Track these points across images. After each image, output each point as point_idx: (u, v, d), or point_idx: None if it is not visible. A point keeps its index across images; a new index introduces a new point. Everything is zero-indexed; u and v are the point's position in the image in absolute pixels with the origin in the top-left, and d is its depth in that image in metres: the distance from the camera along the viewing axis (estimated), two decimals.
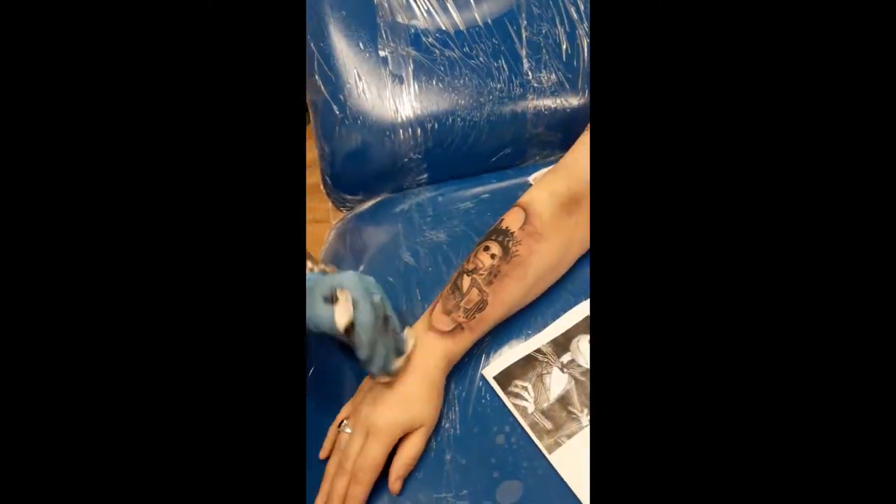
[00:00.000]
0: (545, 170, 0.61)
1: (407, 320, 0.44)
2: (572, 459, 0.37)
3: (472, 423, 0.42)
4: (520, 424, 0.40)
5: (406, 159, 0.68)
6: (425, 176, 0.70)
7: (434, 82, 0.67)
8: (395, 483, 0.39)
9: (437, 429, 0.42)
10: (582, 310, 0.46)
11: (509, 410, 0.41)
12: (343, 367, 0.49)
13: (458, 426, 0.42)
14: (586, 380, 0.42)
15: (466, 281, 0.45)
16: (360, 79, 0.66)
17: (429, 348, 0.43)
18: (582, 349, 0.43)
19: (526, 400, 0.42)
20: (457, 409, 0.43)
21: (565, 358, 0.44)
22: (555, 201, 0.48)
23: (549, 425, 0.40)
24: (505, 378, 0.43)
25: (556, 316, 0.47)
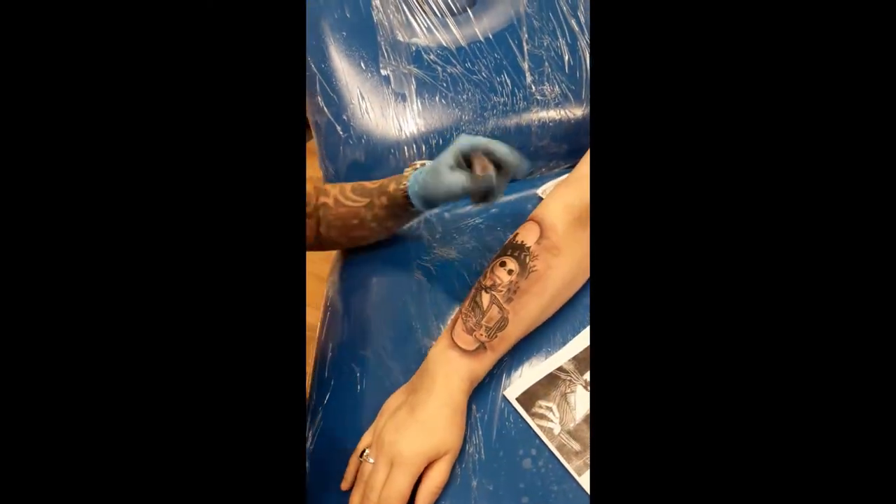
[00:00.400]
0: (554, 182, 0.61)
1: None
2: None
3: (497, 446, 0.41)
4: (546, 447, 0.39)
5: None
6: None
7: (437, 99, 0.67)
8: None
9: (461, 454, 0.40)
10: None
11: (535, 433, 0.40)
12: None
13: (482, 451, 0.40)
14: None
15: (486, 298, 0.44)
16: (362, 98, 0.66)
17: (452, 369, 0.42)
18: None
19: (552, 421, 0.40)
20: (480, 432, 0.42)
21: (588, 375, 0.43)
22: (569, 214, 0.47)
23: (577, 446, 0.38)
24: (528, 399, 0.42)
25: (575, 332, 0.46)
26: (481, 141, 0.50)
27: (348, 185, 0.57)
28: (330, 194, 0.57)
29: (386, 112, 0.66)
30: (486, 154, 0.50)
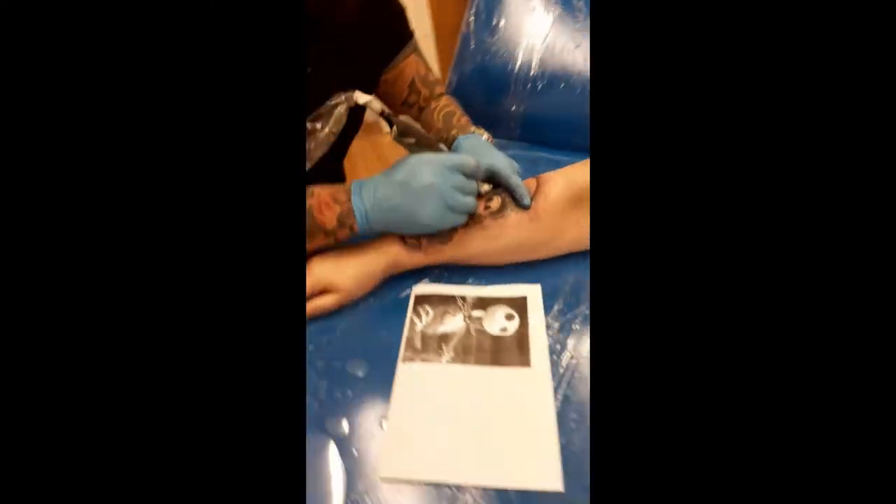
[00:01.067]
0: None
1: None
2: (408, 380, 0.42)
3: (376, 318, 0.49)
4: (402, 330, 0.46)
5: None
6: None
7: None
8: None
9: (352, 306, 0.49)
10: (522, 292, 0.48)
11: (404, 320, 0.47)
12: None
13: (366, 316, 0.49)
14: (478, 336, 0.45)
15: None
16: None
17: (387, 246, 0.50)
18: (496, 317, 0.46)
19: (420, 320, 0.47)
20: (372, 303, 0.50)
21: (476, 313, 0.47)
22: (567, 190, 0.49)
23: (418, 345, 0.45)
24: (422, 299, 0.49)
25: (506, 282, 0.50)
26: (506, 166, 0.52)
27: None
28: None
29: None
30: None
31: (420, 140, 0.48)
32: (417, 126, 0.48)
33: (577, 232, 0.50)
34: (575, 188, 0.49)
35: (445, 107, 0.67)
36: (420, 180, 0.45)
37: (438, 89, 0.72)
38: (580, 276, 0.49)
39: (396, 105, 0.73)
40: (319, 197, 0.48)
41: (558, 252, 0.51)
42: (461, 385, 0.41)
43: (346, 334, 0.47)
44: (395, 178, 0.47)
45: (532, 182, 0.51)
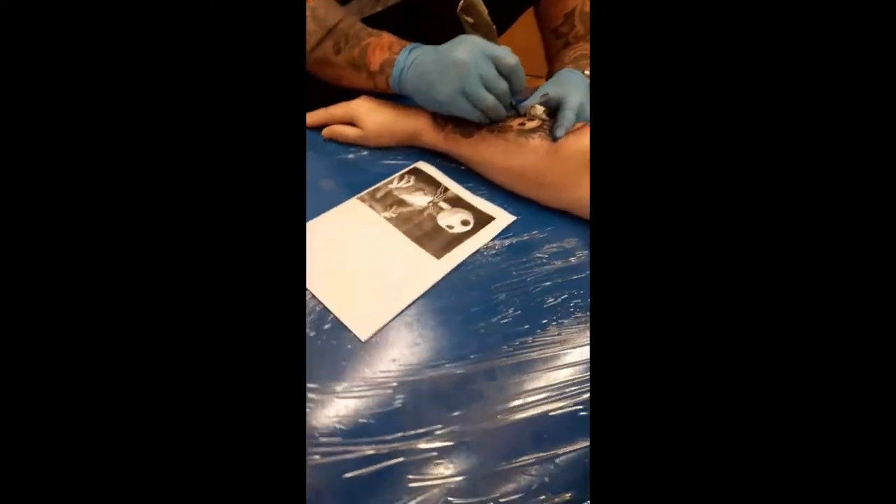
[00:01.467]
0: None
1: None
2: (346, 212, 0.45)
3: (377, 164, 0.53)
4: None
5: None
6: None
7: None
8: (324, 131, 0.55)
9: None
10: (496, 214, 0.47)
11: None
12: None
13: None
14: (426, 219, 0.46)
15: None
16: None
17: (416, 117, 0.53)
18: (454, 217, 0.46)
19: (399, 182, 0.50)
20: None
21: (443, 205, 0.48)
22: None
23: (379, 196, 0.48)
24: (416, 171, 0.51)
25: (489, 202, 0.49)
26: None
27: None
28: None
29: None
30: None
31: (479, 23, 0.48)
32: (484, 9, 0.47)
33: (586, 192, 0.46)
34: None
35: (585, 50, 0.63)
36: (451, 55, 0.46)
37: None
38: (570, 240, 0.46)
39: (546, 30, 0.71)
40: (382, 39, 0.51)
41: (564, 205, 0.47)
42: (377, 238, 0.44)
43: (347, 162, 0.53)
44: (438, 49, 0.48)
45: (579, 125, 0.48)
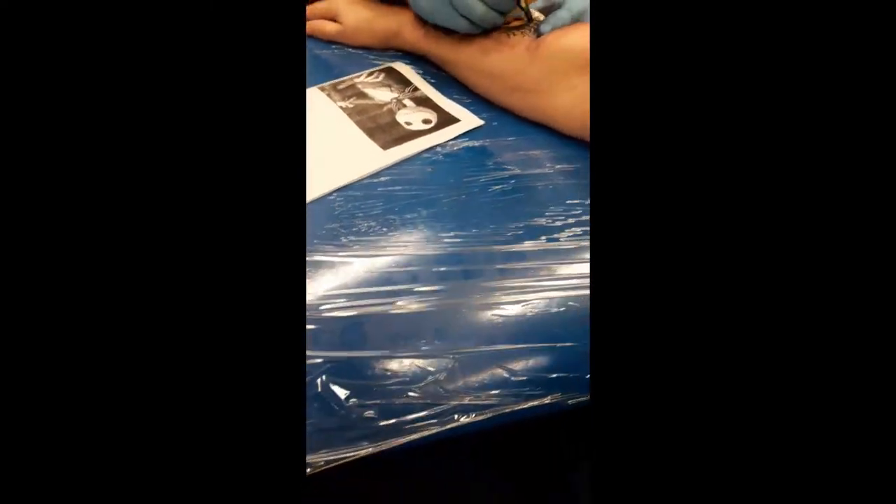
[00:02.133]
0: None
1: None
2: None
3: (356, 60, 0.49)
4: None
5: None
6: None
7: None
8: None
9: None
10: (463, 117, 0.43)
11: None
12: None
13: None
14: (385, 113, 0.42)
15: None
16: None
17: (399, 14, 0.49)
18: (416, 114, 0.43)
19: (367, 78, 0.46)
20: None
21: (407, 102, 0.44)
22: (583, 48, 0.40)
23: (341, 87, 0.45)
24: (390, 70, 0.48)
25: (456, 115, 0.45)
26: None
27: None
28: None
29: None
30: None
31: None
32: None
33: (568, 98, 0.40)
34: (582, 51, 0.40)
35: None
36: None
37: None
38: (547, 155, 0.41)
39: None
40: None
41: (540, 115, 0.42)
42: (327, 124, 0.41)
43: (321, 57, 0.50)
44: None
45: (574, 25, 0.43)
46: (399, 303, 0.30)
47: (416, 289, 0.31)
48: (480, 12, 0.41)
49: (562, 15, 0.43)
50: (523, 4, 0.44)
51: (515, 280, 0.32)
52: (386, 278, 0.31)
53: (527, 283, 0.32)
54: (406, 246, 0.33)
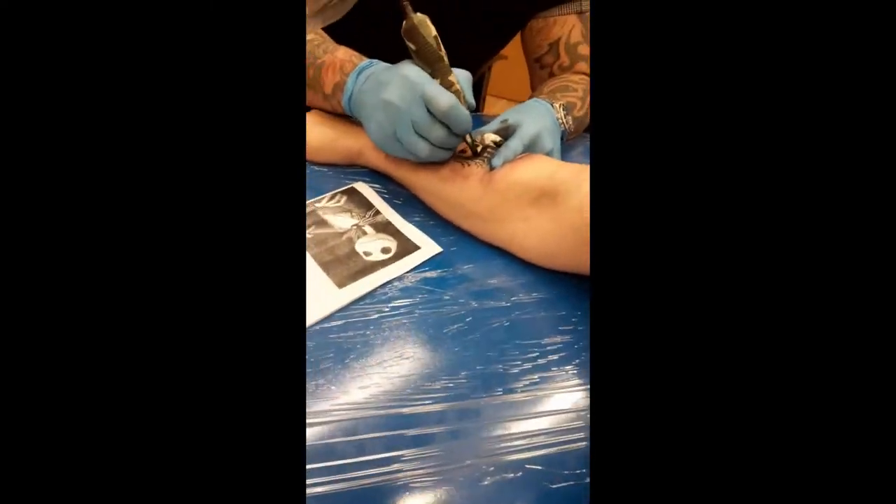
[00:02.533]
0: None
1: None
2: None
3: (318, 179, 0.50)
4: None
5: None
6: None
7: None
8: None
9: None
10: (423, 244, 0.43)
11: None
12: None
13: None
14: (344, 242, 0.42)
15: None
16: None
17: (360, 135, 0.50)
18: (374, 243, 0.43)
19: (327, 202, 0.46)
20: None
21: (367, 229, 0.44)
22: (537, 178, 0.41)
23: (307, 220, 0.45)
24: (352, 192, 0.48)
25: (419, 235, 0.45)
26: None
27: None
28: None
29: None
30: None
31: (422, 50, 0.42)
32: (429, 34, 0.42)
33: (522, 227, 0.41)
34: (549, 184, 0.40)
35: (571, 83, 0.59)
36: (385, 94, 0.41)
37: (581, 66, 0.63)
38: (497, 278, 0.41)
39: (530, 59, 0.68)
40: (336, 57, 0.49)
41: (497, 241, 0.43)
42: None
43: None
44: (381, 75, 0.44)
45: (523, 157, 0.44)
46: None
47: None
48: (426, 152, 0.42)
49: (513, 145, 0.44)
50: (468, 140, 0.45)
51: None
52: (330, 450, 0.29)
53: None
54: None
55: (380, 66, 0.46)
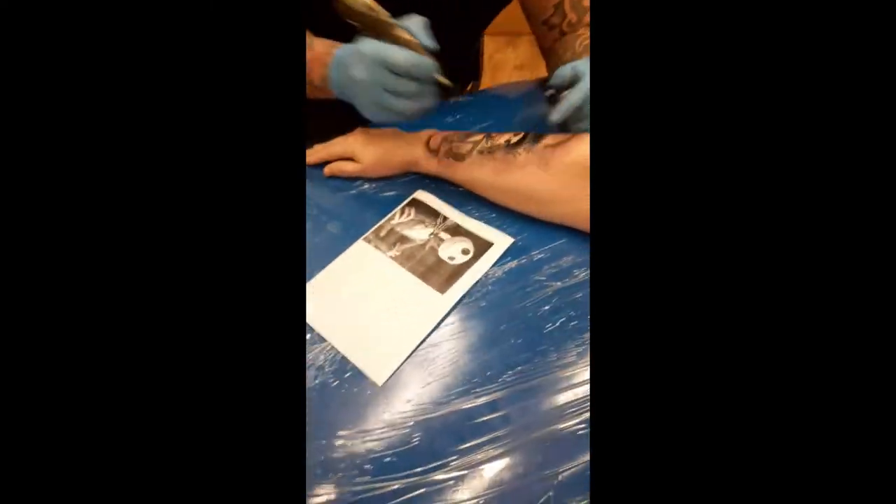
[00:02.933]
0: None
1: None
2: (354, 255, 0.48)
3: (379, 198, 0.55)
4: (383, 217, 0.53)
5: None
6: None
7: None
8: (325, 169, 0.58)
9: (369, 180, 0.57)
10: (494, 238, 0.49)
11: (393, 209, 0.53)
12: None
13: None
14: (429, 252, 0.48)
15: (476, 136, 0.51)
16: None
17: (412, 146, 0.55)
18: (453, 247, 0.49)
19: (400, 217, 0.52)
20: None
21: (443, 235, 0.50)
22: (583, 161, 0.46)
23: (383, 234, 0.51)
24: (415, 202, 0.54)
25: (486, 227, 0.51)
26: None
27: None
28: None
29: None
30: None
31: (364, 21, 0.44)
32: (357, 3, 0.44)
33: (586, 205, 0.46)
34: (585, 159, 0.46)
35: (586, 39, 0.62)
36: (353, 75, 0.46)
37: (588, 18, 0.66)
38: (568, 256, 0.48)
39: (536, 22, 0.70)
40: (315, 51, 0.51)
41: (559, 219, 0.49)
42: (385, 279, 0.47)
43: (351, 199, 0.56)
44: (345, 62, 0.47)
45: (561, 138, 0.48)
46: None
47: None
48: (409, 106, 0.47)
49: (573, 98, 0.48)
50: (440, 79, 0.47)
51: None
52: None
53: None
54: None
55: (346, 49, 0.50)
